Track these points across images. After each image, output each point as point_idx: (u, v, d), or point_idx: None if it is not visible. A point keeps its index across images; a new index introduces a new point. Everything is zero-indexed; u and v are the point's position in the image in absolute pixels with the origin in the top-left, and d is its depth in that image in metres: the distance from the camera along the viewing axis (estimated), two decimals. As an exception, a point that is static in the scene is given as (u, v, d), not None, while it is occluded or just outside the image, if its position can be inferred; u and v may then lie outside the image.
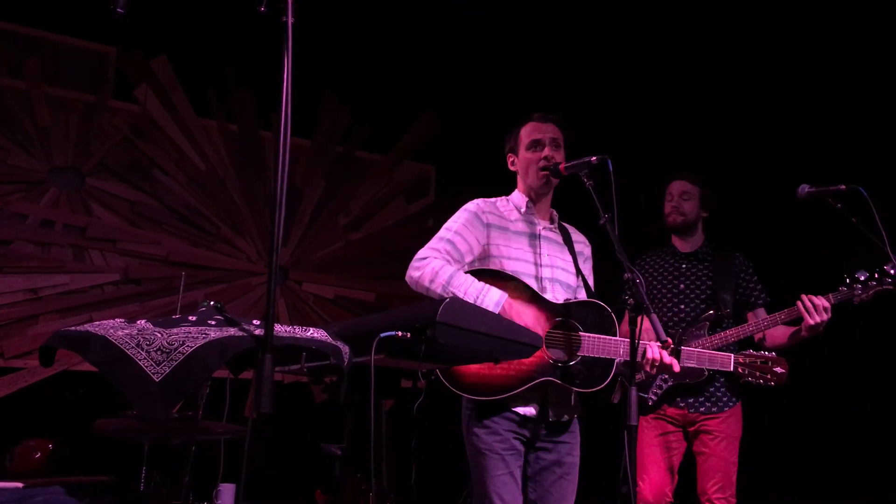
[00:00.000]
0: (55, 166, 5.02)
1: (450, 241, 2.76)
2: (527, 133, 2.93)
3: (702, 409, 3.53)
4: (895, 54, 4.62)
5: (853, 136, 4.96)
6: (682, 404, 3.54)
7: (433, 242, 2.77)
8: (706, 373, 3.48)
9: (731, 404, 3.56)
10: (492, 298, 2.60)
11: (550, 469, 2.74)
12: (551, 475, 2.74)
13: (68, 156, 5.06)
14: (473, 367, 2.61)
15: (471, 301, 2.57)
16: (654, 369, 2.69)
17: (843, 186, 3.17)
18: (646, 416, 3.58)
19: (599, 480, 3.10)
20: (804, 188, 3.29)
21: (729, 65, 5.22)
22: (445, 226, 2.83)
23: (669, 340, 2.65)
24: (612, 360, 2.69)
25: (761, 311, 3.65)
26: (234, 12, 4.27)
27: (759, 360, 3.05)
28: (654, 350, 2.65)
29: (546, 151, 2.87)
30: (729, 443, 3.51)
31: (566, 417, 2.77)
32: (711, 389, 3.55)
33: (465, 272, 2.71)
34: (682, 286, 3.71)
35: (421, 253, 2.74)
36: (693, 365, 2.97)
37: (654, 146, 5.37)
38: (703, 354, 2.98)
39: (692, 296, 3.69)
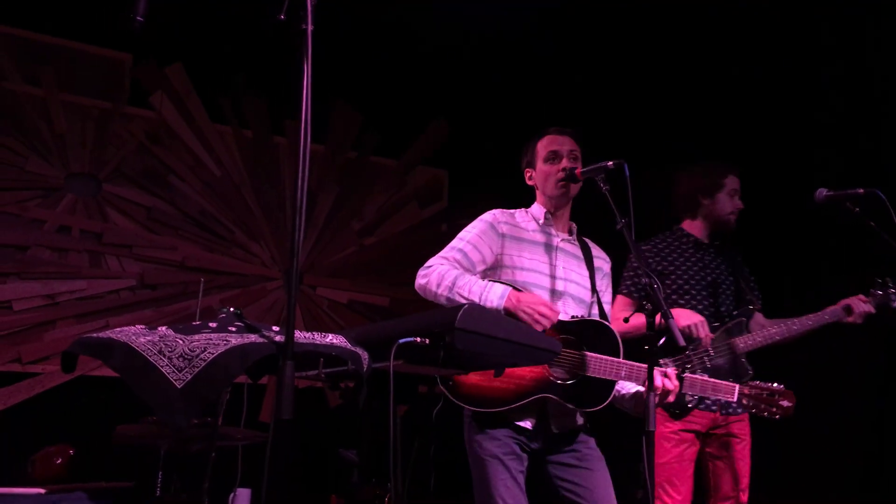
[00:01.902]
0: (72, 173, 5.06)
1: (461, 251, 2.77)
2: (543, 146, 2.91)
3: (729, 411, 3.36)
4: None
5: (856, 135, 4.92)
6: (714, 407, 3.33)
7: (444, 251, 2.79)
8: (750, 372, 3.30)
9: None
10: (496, 292, 2.60)
11: (573, 466, 2.70)
12: (577, 470, 2.70)
13: (85, 162, 5.10)
14: (473, 379, 2.60)
15: (476, 296, 2.60)
16: (658, 397, 2.62)
17: (861, 190, 3.14)
18: (674, 422, 3.32)
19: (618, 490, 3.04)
20: (822, 192, 3.26)
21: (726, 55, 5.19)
22: (459, 235, 2.83)
23: (675, 369, 2.65)
24: (613, 382, 2.67)
25: (759, 315, 3.52)
26: (247, 20, 4.30)
27: (765, 393, 2.93)
28: (663, 380, 2.63)
29: (564, 163, 2.86)
30: (749, 444, 3.41)
31: (571, 429, 2.75)
32: None
33: None
34: (710, 279, 3.48)
35: (429, 262, 2.76)
36: (696, 393, 2.88)
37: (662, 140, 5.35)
38: (707, 383, 2.87)
39: (719, 290, 3.48)
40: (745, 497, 3.37)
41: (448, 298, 2.63)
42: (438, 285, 2.66)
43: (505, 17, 5.14)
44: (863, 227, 3.15)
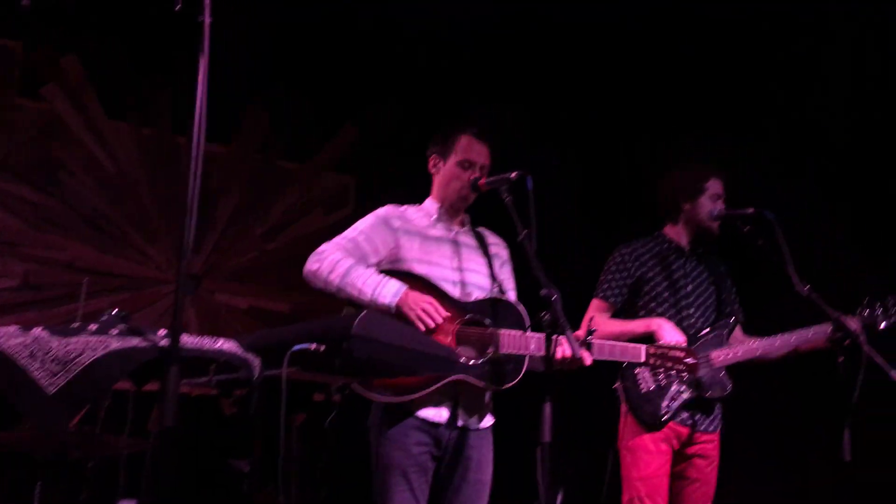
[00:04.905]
0: (-48, 164, 4.76)
1: (353, 240, 2.78)
2: (462, 147, 2.89)
3: (702, 428, 3.22)
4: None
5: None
6: (689, 422, 3.20)
7: (336, 238, 2.79)
8: (729, 388, 3.21)
9: (720, 423, 3.29)
10: (390, 290, 2.59)
11: (454, 482, 2.70)
12: (454, 485, 2.70)
13: (-33, 153, 4.80)
14: None
15: (369, 289, 2.58)
16: (566, 365, 2.57)
17: (752, 210, 3.25)
18: (652, 433, 3.16)
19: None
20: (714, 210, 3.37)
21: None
22: (352, 226, 2.85)
23: (582, 334, 2.62)
24: (524, 357, 2.66)
25: (738, 330, 3.39)
26: (151, 11, 4.15)
27: (669, 351, 2.88)
28: (564, 349, 2.55)
29: (475, 174, 2.87)
30: (716, 465, 3.26)
31: (475, 425, 2.74)
32: (717, 405, 3.26)
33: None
34: (689, 288, 3.34)
35: (321, 247, 2.75)
36: (605, 359, 2.78)
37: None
38: (615, 347, 2.81)
39: (699, 301, 3.35)
40: None
41: (339, 287, 2.62)
42: (331, 272, 2.64)
43: (419, 19, 5.13)
44: (752, 246, 3.25)
